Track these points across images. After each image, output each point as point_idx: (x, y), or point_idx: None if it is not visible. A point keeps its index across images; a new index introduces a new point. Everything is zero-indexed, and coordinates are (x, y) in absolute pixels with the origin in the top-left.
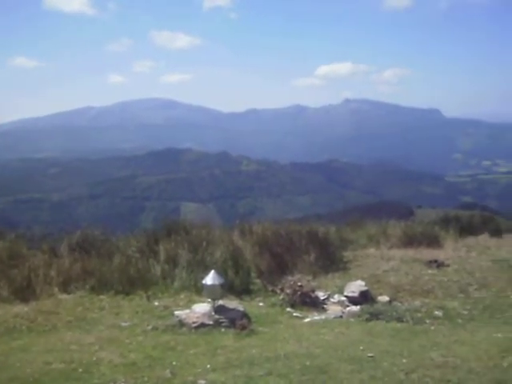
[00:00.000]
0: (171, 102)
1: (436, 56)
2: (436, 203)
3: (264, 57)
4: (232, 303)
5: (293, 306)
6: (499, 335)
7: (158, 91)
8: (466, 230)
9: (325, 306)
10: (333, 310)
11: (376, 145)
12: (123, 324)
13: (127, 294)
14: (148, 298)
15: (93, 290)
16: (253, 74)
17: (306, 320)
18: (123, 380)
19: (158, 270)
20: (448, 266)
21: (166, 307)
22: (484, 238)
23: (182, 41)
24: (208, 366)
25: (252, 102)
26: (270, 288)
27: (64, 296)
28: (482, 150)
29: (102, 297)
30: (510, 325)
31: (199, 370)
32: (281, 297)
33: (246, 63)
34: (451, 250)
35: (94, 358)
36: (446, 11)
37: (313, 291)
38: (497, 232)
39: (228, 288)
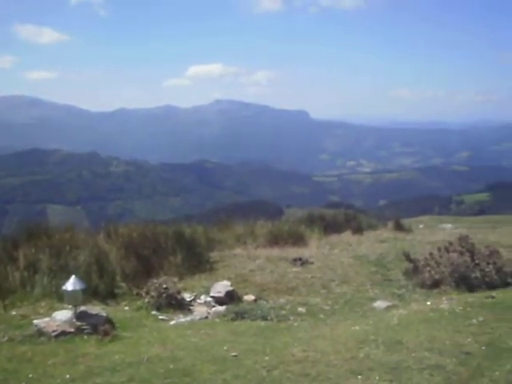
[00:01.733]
0: (36, 100)
1: (304, 59)
2: (305, 202)
3: (134, 56)
4: (95, 309)
5: (158, 308)
6: (357, 328)
7: (22, 88)
8: (331, 227)
9: (191, 307)
10: (199, 311)
11: (246, 145)
12: None
13: None
14: (5, 307)
15: None
16: (123, 73)
17: (172, 322)
18: None
19: (16, 277)
20: (312, 263)
21: (24, 316)
22: (346, 235)
23: (49, 36)
24: (67, 375)
25: (122, 101)
26: (136, 291)
27: None
28: (347, 150)
29: None
30: (367, 317)
31: (58, 381)
32: (146, 300)
33: (116, 62)
34: (315, 247)
35: None
36: (315, 16)
37: (179, 293)
38: (358, 229)
39: (92, 293)
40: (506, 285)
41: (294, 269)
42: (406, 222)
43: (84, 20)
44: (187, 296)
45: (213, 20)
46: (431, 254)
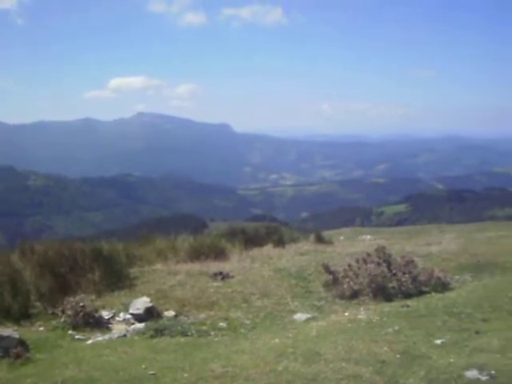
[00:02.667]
0: None
1: (227, 73)
2: (229, 216)
3: (54, 67)
4: (7, 330)
5: (75, 328)
6: (277, 341)
7: None
8: (252, 241)
9: (110, 325)
10: (118, 329)
11: (169, 159)
12: None
13: None
14: None
15: None
16: (42, 85)
17: (89, 342)
18: None
19: None
20: (233, 277)
21: None
22: (268, 249)
23: None
24: None
25: (41, 113)
26: (51, 311)
27: None
28: (269, 163)
29: None
30: (287, 330)
31: None
32: (62, 319)
33: (35, 72)
34: (236, 261)
35: None
36: (238, 30)
37: (96, 311)
38: (280, 242)
39: (4, 314)
40: (420, 293)
41: (215, 283)
42: (326, 234)
43: (0, 28)
44: (105, 314)
45: (135, 31)
46: (350, 265)
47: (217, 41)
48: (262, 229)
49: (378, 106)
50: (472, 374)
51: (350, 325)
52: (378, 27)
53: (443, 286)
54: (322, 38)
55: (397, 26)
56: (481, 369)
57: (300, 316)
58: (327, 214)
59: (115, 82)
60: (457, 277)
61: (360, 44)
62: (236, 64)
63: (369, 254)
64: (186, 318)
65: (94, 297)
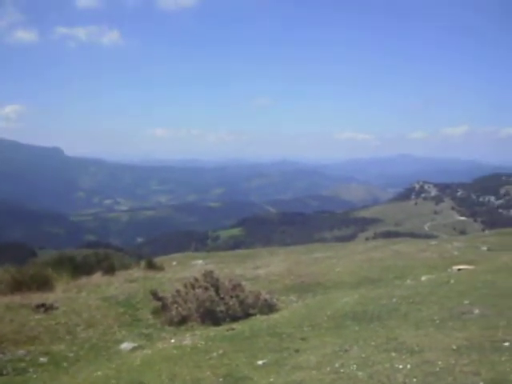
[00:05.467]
0: None
1: (61, 94)
2: (60, 243)
3: None
4: None
5: None
6: (99, 373)
7: None
8: (81, 269)
9: None
10: None
11: None
12: None
13: None
14: None
15: None
16: None
17: None
18: None
19: None
20: (57, 308)
21: None
22: (97, 277)
23: None
24: None
25: None
26: None
27: None
28: (103, 188)
29: None
30: (112, 361)
31: None
32: None
33: None
34: (62, 291)
35: None
36: (73, 51)
37: None
38: (110, 269)
39: None
40: (248, 316)
41: (37, 316)
42: (159, 259)
43: None
44: None
45: None
46: (178, 291)
47: (50, 60)
48: (92, 256)
49: (213, 131)
50: None
51: (175, 351)
52: (212, 56)
53: (269, 308)
54: (157, 61)
55: (232, 55)
56: None
57: (126, 345)
58: (163, 238)
59: None
60: (283, 298)
61: (195, 71)
62: (71, 85)
63: (197, 279)
64: (2, 356)
65: None
